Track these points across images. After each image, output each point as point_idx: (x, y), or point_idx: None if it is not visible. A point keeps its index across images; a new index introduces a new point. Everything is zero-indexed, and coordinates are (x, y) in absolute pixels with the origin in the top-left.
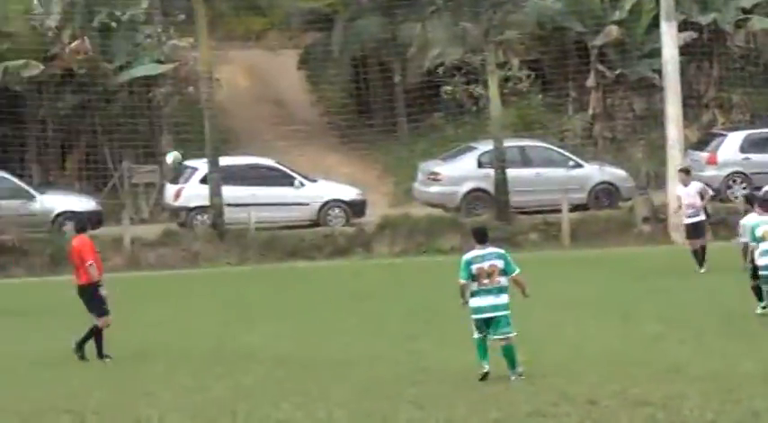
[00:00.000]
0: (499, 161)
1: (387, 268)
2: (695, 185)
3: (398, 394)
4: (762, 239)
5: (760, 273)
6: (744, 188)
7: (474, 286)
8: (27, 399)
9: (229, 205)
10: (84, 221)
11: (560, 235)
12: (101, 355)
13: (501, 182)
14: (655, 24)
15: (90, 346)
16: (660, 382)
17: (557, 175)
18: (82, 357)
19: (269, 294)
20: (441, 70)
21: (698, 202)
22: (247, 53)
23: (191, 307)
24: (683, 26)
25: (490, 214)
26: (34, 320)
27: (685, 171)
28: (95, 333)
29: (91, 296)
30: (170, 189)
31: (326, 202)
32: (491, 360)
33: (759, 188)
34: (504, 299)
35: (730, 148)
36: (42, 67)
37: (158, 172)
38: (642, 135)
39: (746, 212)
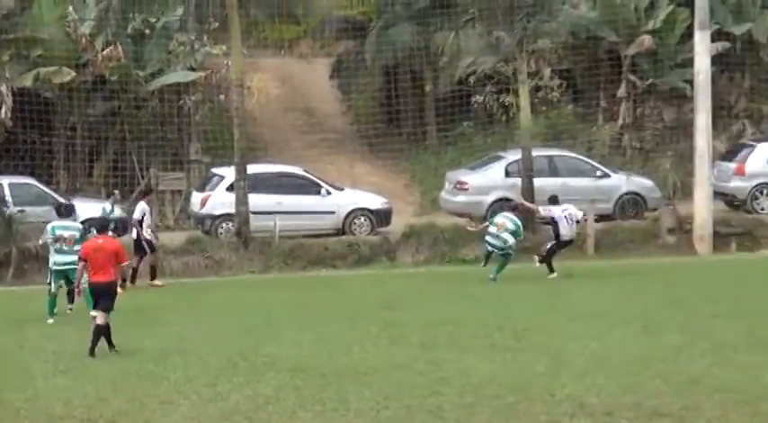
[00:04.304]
0: (527, 171)
1: (410, 277)
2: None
3: (418, 404)
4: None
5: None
6: None
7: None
8: (42, 406)
9: (255, 213)
10: (107, 221)
11: (584, 245)
12: (93, 351)
13: (528, 192)
14: (688, 34)
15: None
16: (678, 393)
17: (583, 184)
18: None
19: (291, 303)
20: (472, 79)
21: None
22: (279, 61)
23: (212, 315)
24: (716, 36)
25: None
26: (46, 326)
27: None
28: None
29: (115, 293)
30: (196, 196)
31: (352, 211)
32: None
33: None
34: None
35: (759, 159)
36: (74, 73)
37: (185, 179)
38: (671, 145)
39: None
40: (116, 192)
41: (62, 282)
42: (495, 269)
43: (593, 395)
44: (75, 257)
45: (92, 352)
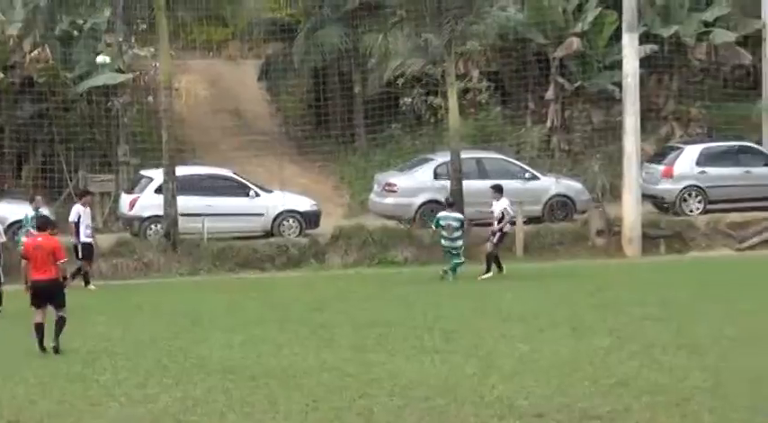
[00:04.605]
0: (455, 173)
1: (339, 279)
2: (502, 203)
3: (347, 406)
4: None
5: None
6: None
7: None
8: None
9: (184, 215)
10: (48, 220)
11: (513, 247)
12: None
13: (456, 193)
14: (616, 37)
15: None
16: (608, 395)
17: (512, 186)
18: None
19: (220, 305)
20: (400, 81)
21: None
22: (208, 63)
23: (140, 317)
24: (644, 39)
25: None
26: None
27: (497, 188)
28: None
29: (62, 289)
30: (125, 199)
31: (281, 213)
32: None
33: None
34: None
35: (687, 161)
36: (1, 75)
37: (114, 181)
38: (599, 147)
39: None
40: (38, 198)
41: None
42: (449, 267)
43: (522, 397)
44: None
45: (56, 338)
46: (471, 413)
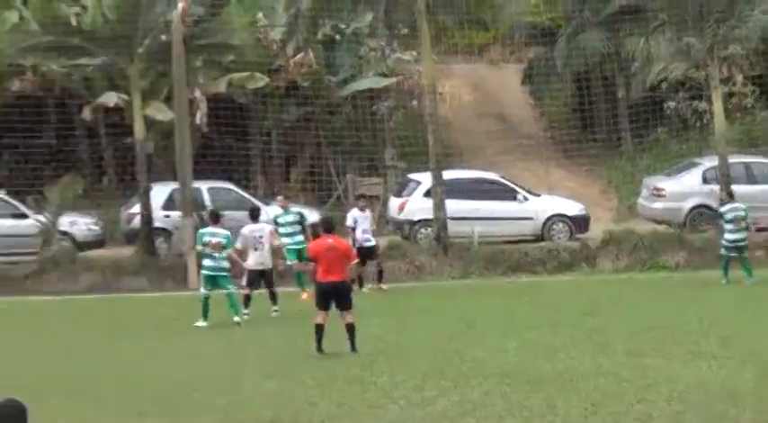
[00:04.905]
0: (724, 177)
1: (611, 284)
2: None
3: (625, 411)
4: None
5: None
6: None
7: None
8: (251, 410)
9: (453, 219)
10: (332, 222)
11: None
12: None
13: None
14: None
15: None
16: None
17: None
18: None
19: (493, 308)
20: (664, 85)
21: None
22: (470, 67)
23: (414, 320)
24: None
25: (715, 231)
26: (247, 330)
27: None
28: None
29: (350, 291)
30: (394, 202)
31: (550, 217)
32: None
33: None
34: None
35: None
36: (267, 79)
37: (383, 185)
38: None
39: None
40: (279, 197)
41: (210, 286)
42: (747, 274)
43: None
44: (223, 263)
45: (353, 347)
46: (753, 419)
